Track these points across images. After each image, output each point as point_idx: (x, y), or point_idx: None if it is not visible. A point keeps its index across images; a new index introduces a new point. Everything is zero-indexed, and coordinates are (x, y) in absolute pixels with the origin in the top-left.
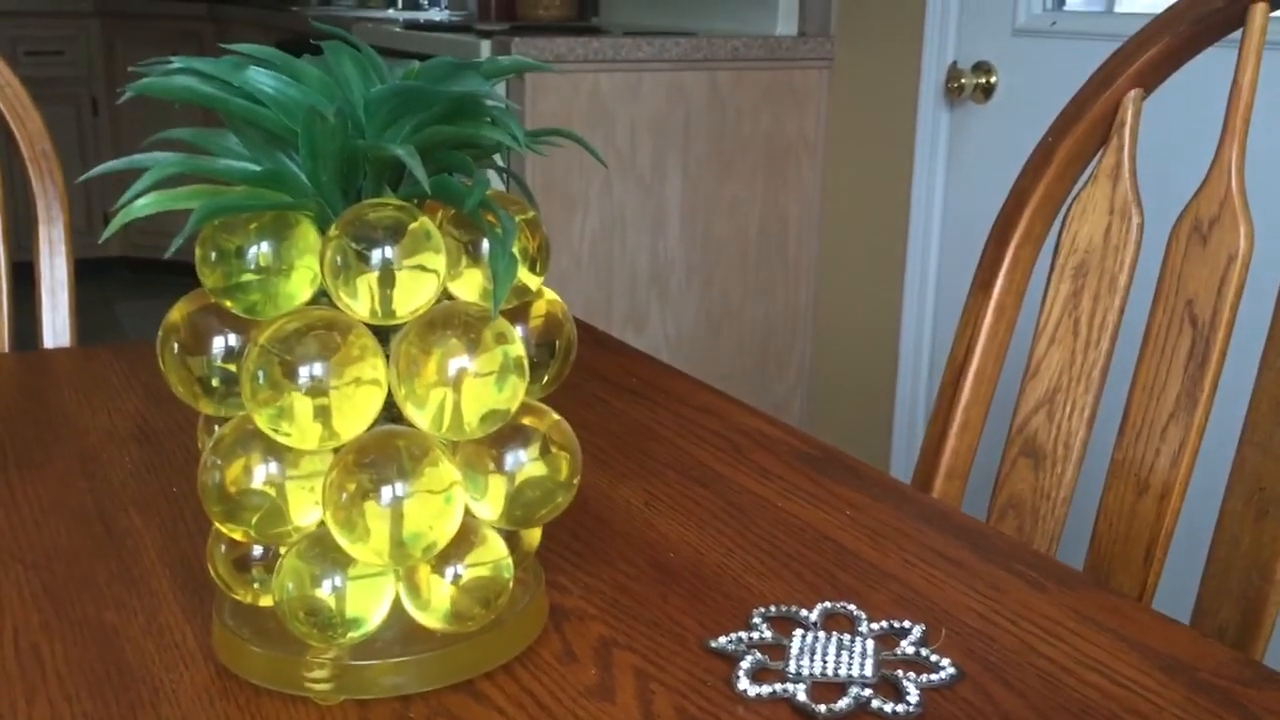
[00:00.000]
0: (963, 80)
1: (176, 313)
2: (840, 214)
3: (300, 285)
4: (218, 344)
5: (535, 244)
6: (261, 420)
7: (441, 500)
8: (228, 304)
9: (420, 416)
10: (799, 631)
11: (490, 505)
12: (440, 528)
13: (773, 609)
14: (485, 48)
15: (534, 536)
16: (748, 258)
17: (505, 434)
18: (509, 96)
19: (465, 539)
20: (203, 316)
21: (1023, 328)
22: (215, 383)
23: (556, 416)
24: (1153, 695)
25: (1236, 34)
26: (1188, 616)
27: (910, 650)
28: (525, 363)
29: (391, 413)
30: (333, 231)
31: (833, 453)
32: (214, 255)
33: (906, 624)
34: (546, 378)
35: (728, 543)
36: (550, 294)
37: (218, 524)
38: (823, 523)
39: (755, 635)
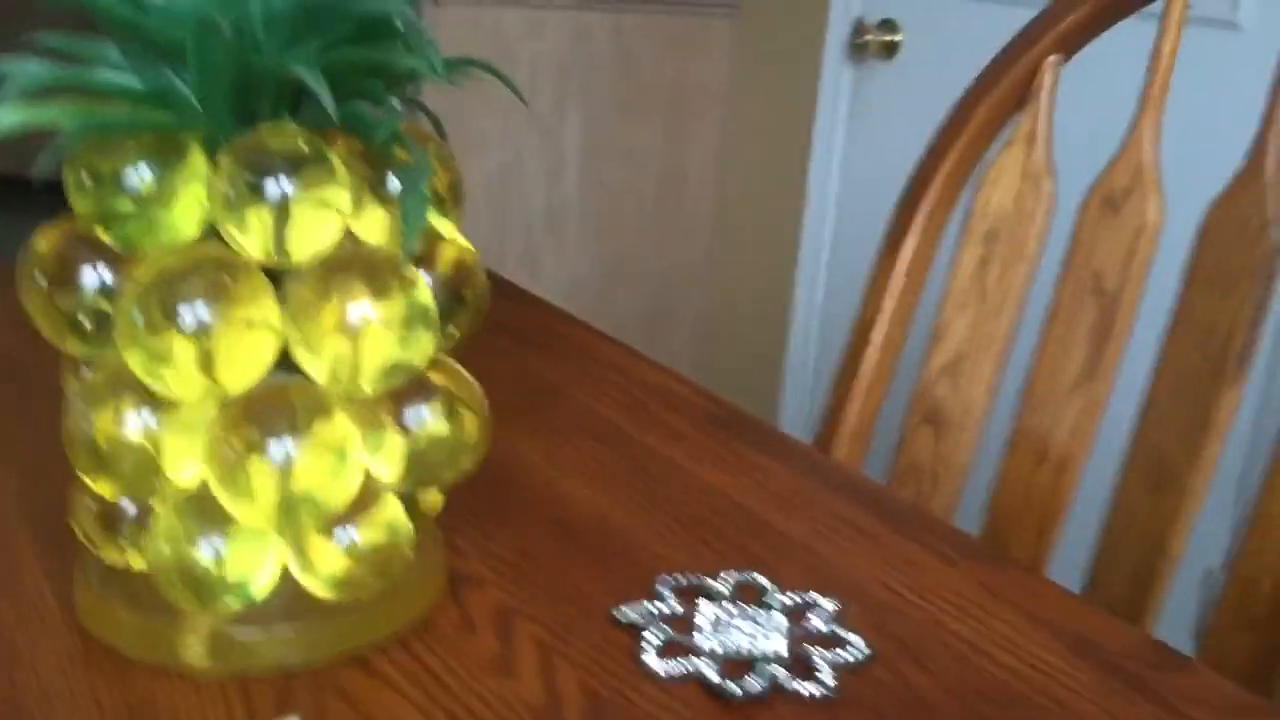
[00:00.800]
0: (868, 37)
1: (43, 241)
2: (739, 167)
3: (185, 217)
4: (89, 278)
5: (446, 184)
6: (138, 367)
7: (336, 459)
8: (101, 234)
9: (316, 367)
10: (706, 602)
11: (389, 466)
12: (335, 489)
13: (680, 578)
14: None
15: (434, 499)
16: (645, 206)
17: (408, 390)
18: None
19: (361, 501)
20: (73, 247)
21: (930, 292)
22: (85, 321)
23: (465, 374)
24: (1064, 677)
25: (1159, 4)
26: (1079, 588)
27: (822, 626)
28: (435, 313)
29: (284, 365)
30: (223, 158)
31: (740, 414)
32: (87, 179)
33: (816, 597)
34: (454, 331)
35: (634, 506)
36: (461, 240)
37: (84, 477)
38: (731, 487)
39: (661, 606)
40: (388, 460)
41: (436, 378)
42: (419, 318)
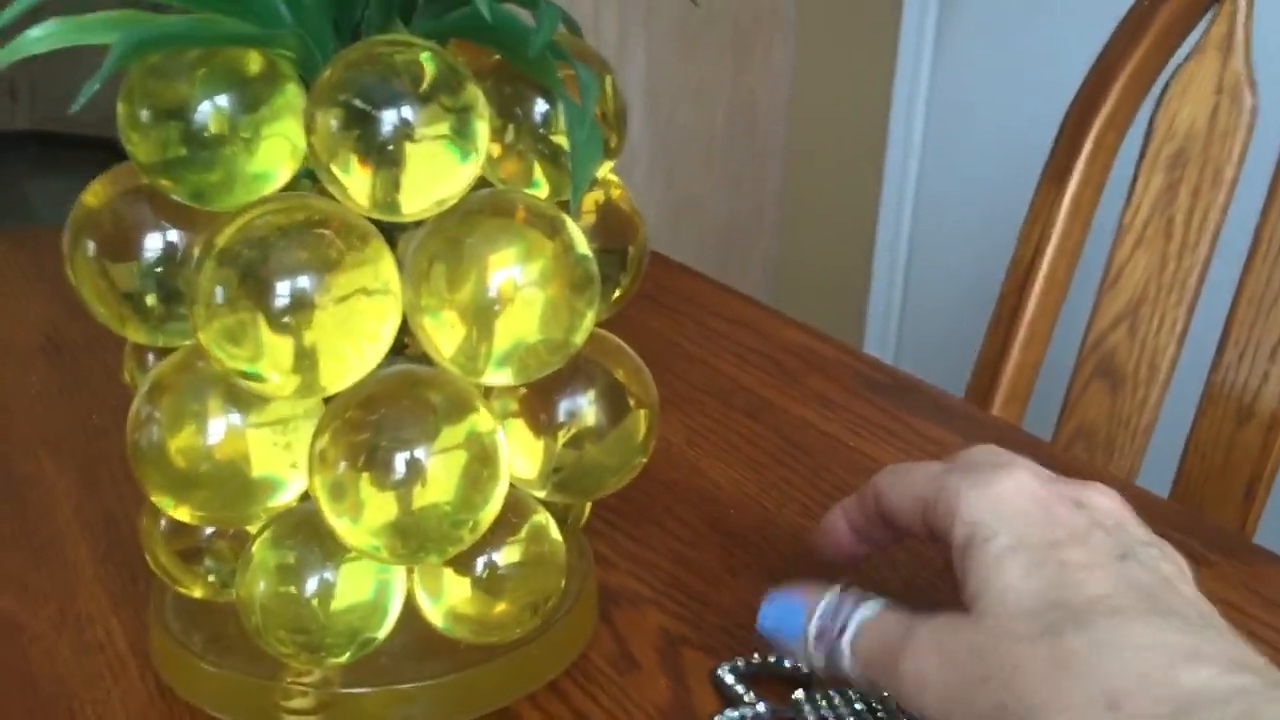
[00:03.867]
0: None
1: (92, 196)
2: (814, 99)
3: (274, 161)
4: (152, 244)
5: (611, 110)
6: (223, 358)
7: (477, 467)
8: (166, 186)
9: (448, 350)
10: None
11: (540, 473)
12: (475, 505)
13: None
14: None
15: (583, 507)
16: (714, 146)
17: (563, 376)
18: None
19: (505, 519)
20: (131, 204)
21: (1102, 227)
22: (150, 300)
23: (630, 352)
24: None
25: None
26: None
27: None
28: (596, 276)
29: (411, 346)
30: (323, 81)
31: (900, 376)
32: (145, 114)
33: None
34: (615, 294)
35: (796, 495)
36: (616, 181)
37: (156, 500)
38: None
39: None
40: (539, 466)
41: (597, 358)
42: (579, 282)
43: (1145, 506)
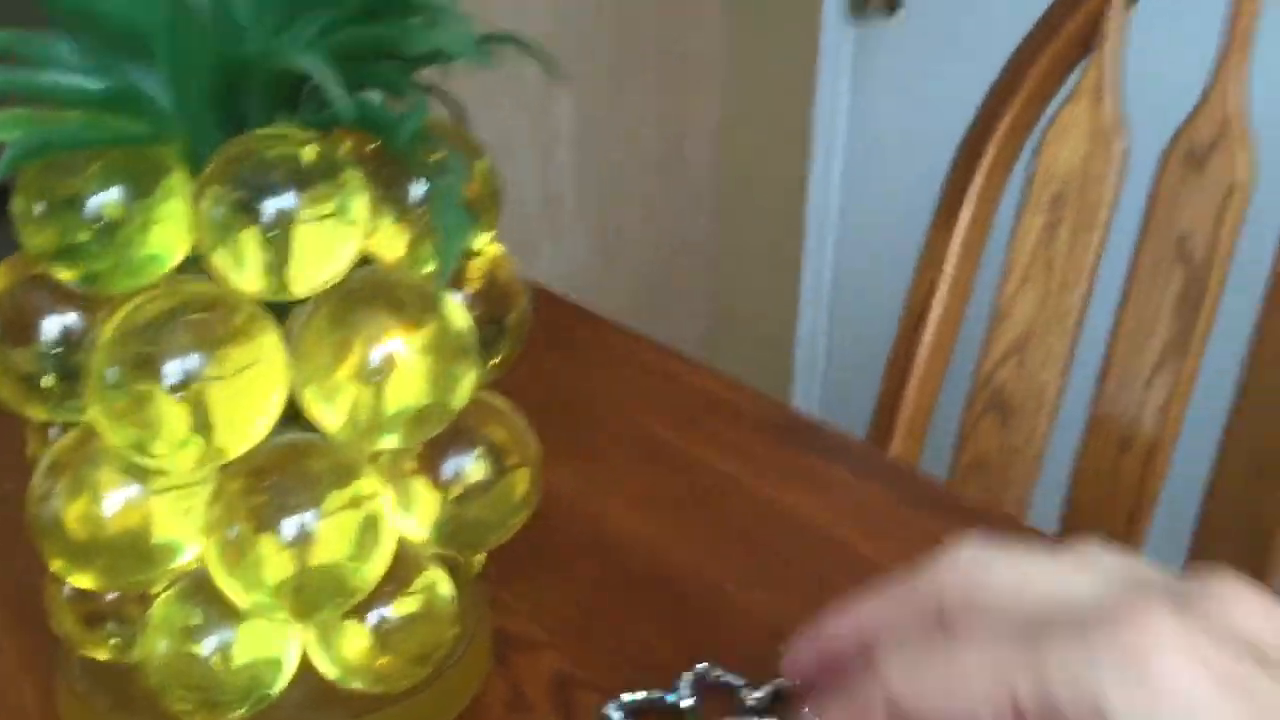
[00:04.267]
0: None
1: None
2: (740, 138)
3: (164, 248)
4: (50, 328)
5: (483, 189)
6: (115, 435)
7: (364, 528)
8: (62, 273)
9: (333, 419)
10: None
11: (425, 531)
12: (363, 564)
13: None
14: None
15: (478, 558)
16: (644, 184)
17: (446, 438)
18: None
19: (394, 574)
20: (28, 291)
21: (989, 266)
22: (47, 381)
23: (510, 413)
24: None
25: None
26: None
27: None
28: (474, 345)
29: (295, 418)
30: (209, 173)
31: (801, 420)
32: (40, 208)
33: None
34: (493, 361)
35: (698, 539)
36: (497, 251)
37: (57, 570)
38: (804, 507)
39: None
40: (426, 524)
41: (477, 421)
42: (456, 352)
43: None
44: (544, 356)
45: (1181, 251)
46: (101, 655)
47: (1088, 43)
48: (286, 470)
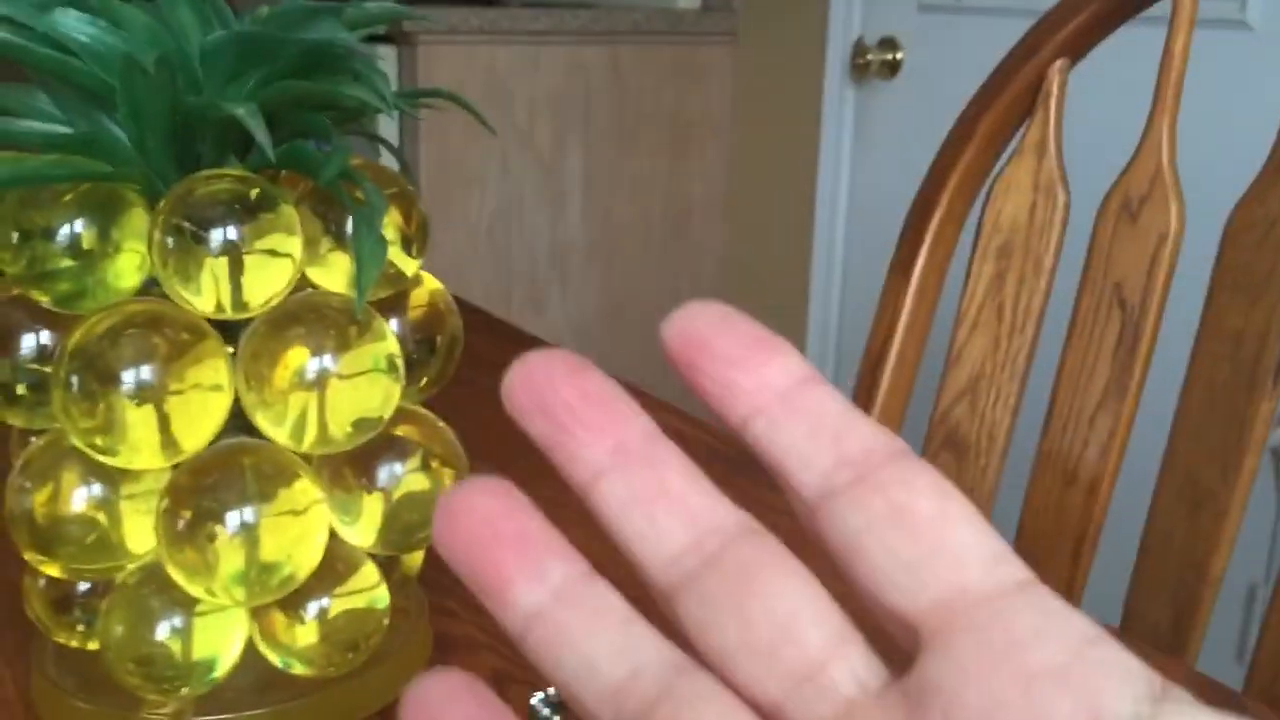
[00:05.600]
0: (869, 57)
1: None
2: (745, 195)
3: (125, 273)
4: (25, 343)
5: (412, 223)
6: (78, 437)
7: (301, 525)
8: (37, 295)
9: (274, 427)
10: None
11: (362, 529)
12: (300, 557)
13: None
14: None
15: (415, 559)
16: (651, 240)
17: (377, 446)
18: (401, 69)
19: (331, 568)
20: (7, 310)
21: (943, 312)
22: (21, 390)
23: (439, 423)
24: None
25: (1167, 2)
26: (1118, 616)
27: None
28: (400, 362)
29: (242, 423)
30: (162, 207)
31: (751, 453)
32: (16, 237)
33: None
34: (426, 379)
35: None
36: (431, 281)
37: (29, 559)
38: None
39: None
40: (359, 523)
41: (408, 431)
42: (385, 367)
43: None
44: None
45: (1119, 297)
46: (70, 641)
47: (1031, 102)
48: (231, 469)
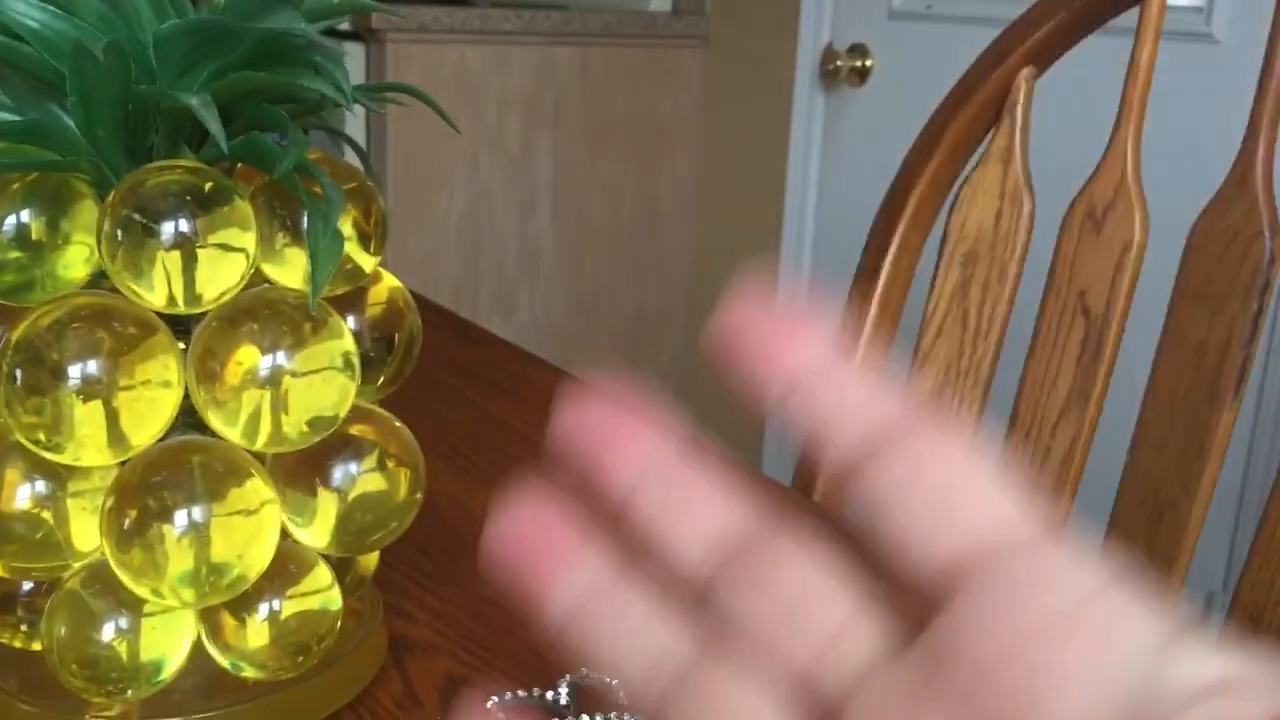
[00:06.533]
0: (838, 63)
1: None
2: (714, 198)
3: (74, 265)
4: None
5: (371, 219)
6: (21, 433)
7: (252, 525)
8: None
9: (227, 426)
10: None
11: (315, 529)
12: (251, 558)
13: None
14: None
15: (370, 560)
16: (620, 241)
17: (332, 445)
18: (369, 67)
19: (283, 569)
20: None
21: (909, 319)
22: None
23: (396, 423)
24: None
25: (1134, 12)
26: None
27: None
28: (356, 360)
29: (194, 421)
30: (112, 198)
31: (710, 451)
32: None
33: None
34: (383, 377)
35: None
36: (390, 279)
37: None
38: None
39: None
40: (312, 523)
41: (364, 430)
42: (339, 365)
43: None
44: (484, 396)
45: (1082, 305)
46: (13, 641)
47: (998, 110)
48: (179, 467)
